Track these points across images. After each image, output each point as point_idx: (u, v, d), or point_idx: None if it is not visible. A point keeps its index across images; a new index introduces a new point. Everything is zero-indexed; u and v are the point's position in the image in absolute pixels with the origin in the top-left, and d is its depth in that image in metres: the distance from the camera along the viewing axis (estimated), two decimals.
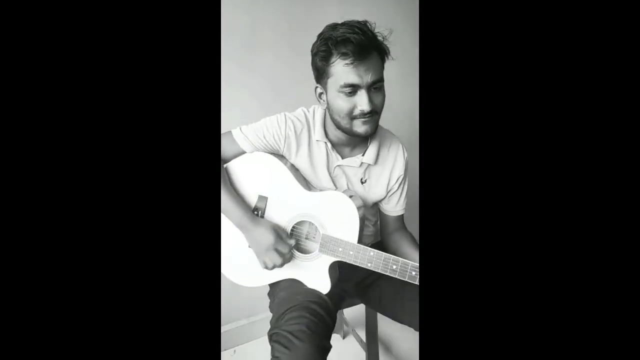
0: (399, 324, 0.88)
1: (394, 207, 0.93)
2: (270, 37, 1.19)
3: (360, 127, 0.76)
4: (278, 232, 0.80)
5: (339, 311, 1.41)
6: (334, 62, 0.73)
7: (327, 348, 0.73)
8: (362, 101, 0.73)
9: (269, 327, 0.75)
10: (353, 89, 0.73)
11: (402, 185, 0.91)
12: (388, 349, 1.36)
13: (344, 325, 1.42)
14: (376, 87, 0.75)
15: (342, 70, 0.72)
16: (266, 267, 0.80)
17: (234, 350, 1.35)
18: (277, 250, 0.78)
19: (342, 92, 0.74)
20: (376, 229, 0.99)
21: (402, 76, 1.47)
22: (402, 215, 0.95)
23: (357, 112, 0.74)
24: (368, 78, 0.72)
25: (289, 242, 0.80)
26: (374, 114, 0.76)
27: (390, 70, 1.38)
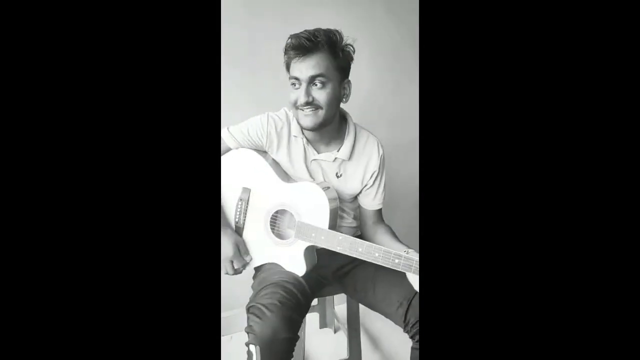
0: (388, 320, 0.94)
1: (372, 201, 1.01)
2: (267, 48, 1.30)
3: (303, 119, 0.88)
4: (238, 247, 0.93)
5: (332, 307, 1.48)
6: (291, 62, 0.88)
7: (297, 321, 0.81)
8: (300, 93, 0.86)
9: None
10: (297, 82, 0.86)
11: (377, 181, 0.99)
12: (376, 344, 1.42)
13: (335, 321, 1.49)
14: (317, 83, 0.85)
15: (291, 67, 0.87)
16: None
17: (231, 337, 1.44)
18: (232, 263, 0.92)
19: (290, 84, 0.88)
20: (357, 222, 1.07)
21: (401, 80, 1.53)
22: (380, 210, 1.03)
23: (298, 103, 0.86)
24: (308, 73, 0.84)
25: (245, 259, 0.94)
26: (316, 107, 0.86)
27: (390, 74, 1.45)
